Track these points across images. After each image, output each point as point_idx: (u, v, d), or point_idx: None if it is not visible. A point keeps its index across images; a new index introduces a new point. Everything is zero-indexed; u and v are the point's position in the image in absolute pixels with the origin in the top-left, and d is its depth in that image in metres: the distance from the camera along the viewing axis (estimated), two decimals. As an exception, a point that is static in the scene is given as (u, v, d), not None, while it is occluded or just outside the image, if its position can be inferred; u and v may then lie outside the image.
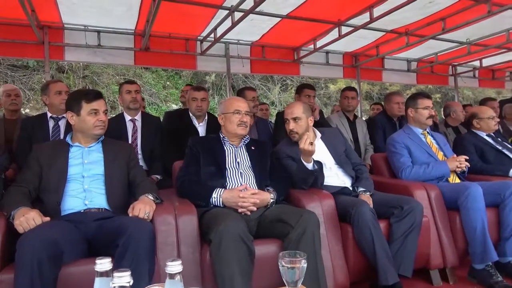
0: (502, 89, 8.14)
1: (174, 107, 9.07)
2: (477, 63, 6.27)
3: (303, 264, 1.14)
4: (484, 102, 4.80)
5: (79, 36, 4.19)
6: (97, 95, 2.03)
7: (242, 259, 1.61)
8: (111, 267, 0.79)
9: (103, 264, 0.80)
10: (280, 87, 10.31)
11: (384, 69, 5.97)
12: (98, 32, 4.23)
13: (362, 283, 2.15)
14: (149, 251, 1.54)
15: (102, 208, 1.88)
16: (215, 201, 2.00)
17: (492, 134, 3.28)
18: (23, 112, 7.55)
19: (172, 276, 0.80)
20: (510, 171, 2.87)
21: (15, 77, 7.84)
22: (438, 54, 5.69)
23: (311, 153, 2.20)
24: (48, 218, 1.65)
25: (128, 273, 0.77)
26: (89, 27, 4.16)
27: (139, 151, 3.07)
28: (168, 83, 9.63)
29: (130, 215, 1.75)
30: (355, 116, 4.12)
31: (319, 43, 4.82)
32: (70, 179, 1.90)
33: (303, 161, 2.24)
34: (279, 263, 1.15)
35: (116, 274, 0.75)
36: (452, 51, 5.50)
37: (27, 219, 1.57)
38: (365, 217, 2.00)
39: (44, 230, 1.53)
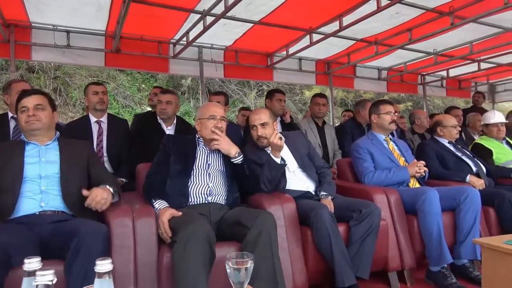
0: (470, 99, 8.46)
1: (149, 110, 8.97)
2: (444, 73, 6.51)
3: (249, 265, 1.16)
4: (449, 110, 4.99)
5: (47, 36, 4.09)
6: (27, 93, 2.01)
7: (206, 261, 1.61)
8: (40, 267, 0.78)
9: (32, 263, 0.80)
10: (256, 92, 10.37)
11: (356, 76, 6.10)
12: (68, 32, 4.14)
13: (322, 286, 2.18)
14: (101, 254, 1.52)
15: (58, 211, 1.84)
16: (156, 211, 1.99)
17: (453, 142, 3.41)
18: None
19: (100, 275, 0.80)
20: (467, 177, 2.99)
21: (-21, 77, 7.58)
22: (407, 64, 5.87)
23: (280, 147, 2.27)
24: (-4, 221, 1.60)
25: (52, 271, 0.76)
26: (58, 27, 4.08)
27: (105, 154, 3.03)
28: (143, 85, 9.52)
29: (86, 202, 1.73)
30: (324, 122, 4.20)
31: (291, 50, 4.89)
32: (26, 180, 1.86)
33: (272, 156, 2.28)
34: (226, 265, 1.16)
35: (39, 272, 0.74)
36: (420, 61, 5.69)
37: None
38: (324, 221, 2.04)
39: None
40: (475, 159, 3.27)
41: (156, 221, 1.88)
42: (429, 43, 4.87)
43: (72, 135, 2.58)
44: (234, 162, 2.13)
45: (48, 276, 0.73)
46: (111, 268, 0.82)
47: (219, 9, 3.51)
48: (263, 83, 9.99)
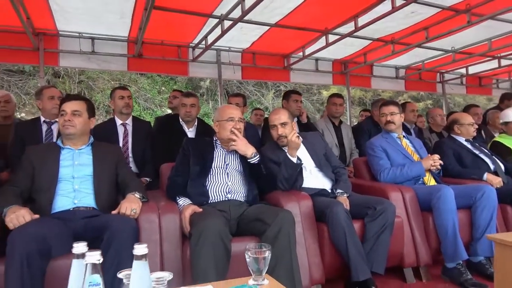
0: (492, 96, 8.30)
1: (169, 112, 9.18)
2: (463, 71, 6.43)
3: (267, 255, 1.26)
4: (468, 108, 4.93)
5: (73, 43, 4.30)
6: (69, 97, 2.17)
7: (218, 256, 1.72)
8: (86, 250, 0.90)
9: (79, 247, 0.92)
10: (274, 92, 10.46)
11: (373, 75, 6.11)
12: (92, 38, 4.34)
13: (338, 281, 2.26)
14: (131, 245, 1.65)
15: (90, 207, 2.00)
16: (180, 207, 2.12)
17: (471, 140, 3.41)
18: (19, 116, 7.65)
19: (138, 257, 0.91)
20: (484, 175, 3.00)
21: (11, 81, 7.94)
22: (425, 62, 5.85)
23: (297, 146, 2.38)
24: (37, 216, 1.76)
25: (98, 252, 0.88)
26: (83, 34, 4.28)
27: (130, 154, 3.18)
28: (163, 88, 9.75)
29: (117, 212, 1.87)
30: (341, 122, 4.25)
31: (307, 51, 4.97)
32: (61, 180, 2.02)
33: (288, 156, 2.38)
34: (245, 255, 1.27)
35: (88, 253, 0.86)
36: (438, 59, 5.66)
37: (17, 216, 1.69)
38: (339, 217, 2.12)
39: (33, 226, 1.64)
40: (493, 157, 3.27)
41: (180, 216, 2.01)
42: (447, 41, 4.85)
43: (100, 137, 2.73)
44: (251, 162, 2.24)
45: (96, 256, 0.85)
46: (147, 252, 0.93)
47: (237, 13, 3.63)
48: (280, 84, 10.07)
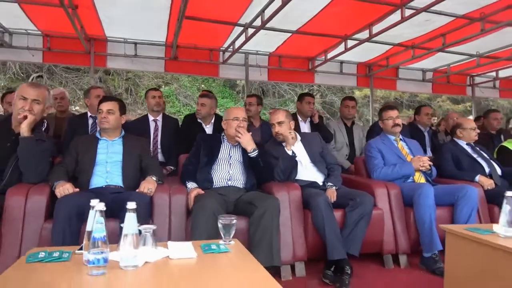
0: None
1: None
2: (493, 74, 6.39)
3: (233, 222, 1.68)
4: (488, 113, 5.01)
5: (119, 47, 4.94)
6: (105, 99, 2.69)
7: (210, 227, 2.15)
8: (97, 204, 1.37)
9: (94, 202, 1.39)
10: (308, 92, 10.75)
11: (398, 78, 6.26)
12: (135, 43, 4.95)
13: (319, 261, 2.61)
14: (145, 214, 2.17)
15: (118, 186, 2.54)
16: (188, 190, 2.59)
17: (472, 144, 3.59)
18: (74, 109, 8.60)
19: (130, 210, 1.37)
20: (476, 177, 3.20)
21: (68, 78, 8.92)
22: (451, 66, 5.91)
23: (290, 140, 2.82)
24: (77, 189, 2.31)
25: (103, 204, 1.35)
26: (127, 40, 4.90)
27: (159, 146, 3.72)
28: (202, 85, 10.39)
29: (137, 190, 2.38)
30: (353, 123, 4.54)
31: (329, 55, 5.27)
32: (97, 164, 2.57)
33: (286, 149, 2.79)
34: (218, 222, 1.70)
35: (97, 204, 1.33)
36: (464, 63, 5.71)
37: (64, 189, 2.25)
38: (320, 205, 2.49)
39: (74, 196, 2.20)
40: (491, 161, 3.43)
41: (187, 197, 2.49)
42: (470, 46, 4.94)
43: (134, 131, 3.30)
44: (250, 155, 2.66)
45: (101, 205, 1.32)
46: (135, 207, 1.39)
47: (259, 22, 4.04)
48: (313, 84, 10.33)
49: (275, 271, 2.44)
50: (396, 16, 3.93)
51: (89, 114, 3.63)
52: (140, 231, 1.41)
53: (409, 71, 6.28)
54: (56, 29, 4.45)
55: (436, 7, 3.68)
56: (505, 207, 1.89)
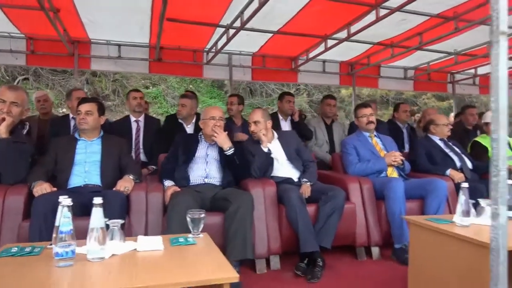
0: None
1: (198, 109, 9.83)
2: (472, 71, 6.54)
3: (201, 216, 1.76)
4: (465, 109, 5.15)
5: (103, 49, 4.98)
6: (83, 100, 2.76)
7: (183, 222, 2.22)
8: (64, 199, 1.44)
9: (61, 198, 1.46)
10: (294, 91, 10.85)
11: (380, 76, 6.39)
12: (119, 45, 4.99)
13: (294, 253, 2.70)
14: (120, 211, 2.24)
15: (96, 185, 2.61)
16: (165, 187, 2.68)
17: (445, 139, 3.72)
18: (61, 111, 8.60)
19: (96, 205, 1.45)
20: (447, 171, 3.32)
21: (55, 80, 8.93)
22: (430, 64, 6.05)
23: (261, 139, 2.92)
24: (55, 189, 2.38)
25: (70, 199, 1.42)
26: (111, 42, 4.95)
27: (141, 146, 3.79)
28: (190, 86, 10.44)
29: (114, 189, 2.46)
30: (333, 121, 4.64)
31: (311, 54, 5.37)
32: (75, 163, 2.64)
33: (262, 147, 2.91)
34: (187, 216, 1.78)
35: (65, 200, 1.40)
36: (443, 61, 5.84)
37: (41, 188, 2.32)
38: (293, 200, 2.58)
39: (51, 195, 2.26)
40: (463, 155, 3.56)
41: (163, 194, 2.57)
42: (448, 44, 5.07)
43: (116, 132, 3.37)
44: (226, 154, 2.74)
45: (68, 201, 1.39)
46: (102, 202, 1.46)
47: (239, 22, 4.11)
48: (300, 83, 10.45)
49: (250, 264, 2.54)
50: (372, 16, 4.03)
51: (71, 115, 3.68)
52: (108, 226, 1.49)
53: (391, 69, 6.39)
54: (39, 32, 4.48)
55: (410, 6, 3.78)
56: (461, 197, 1.99)
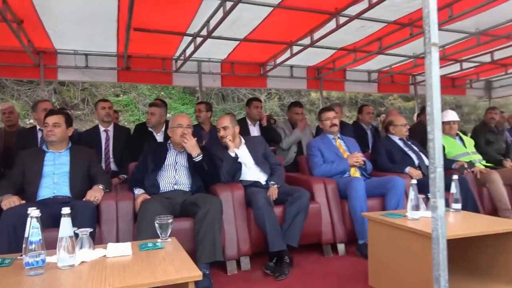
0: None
1: (168, 116, 9.82)
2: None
3: (168, 221, 1.85)
4: (423, 110, 5.44)
5: (69, 59, 4.95)
6: (50, 112, 2.79)
7: (153, 230, 2.30)
8: (33, 211, 1.49)
9: (30, 210, 1.51)
10: (266, 95, 11.04)
11: (346, 80, 6.64)
12: (86, 55, 4.98)
13: (263, 254, 2.82)
14: (90, 221, 2.28)
15: (65, 196, 2.64)
16: (135, 195, 2.75)
17: (404, 138, 3.94)
18: (28, 122, 8.40)
19: (65, 215, 1.51)
20: (406, 169, 3.53)
21: (20, 91, 8.71)
22: (392, 66, 6.35)
23: (228, 145, 3.02)
24: (24, 201, 2.40)
25: (38, 210, 1.47)
26: (78, 51, 4.93)
27: (111, 156, 3.81)
28: (162, 93, 10.43)
29: (84, 199, 2.50)
30: (300, 125, 4.82)
31: (278, 60, 5.53)
32: (44, 175, 2.66)
33: (229, 152, 3.01)
34: (155, 222, 1.86)
35: (33, 211, 1.45)
36: (403, 64, 6.16)
37: (10, 201, 2.35)
38: (259, 203, 2.70)
39: (19, 207, 2.29)
40: (420, 153, 3.78)
41: (133, 202, 2.63)
42: (407, 48, 5.35)
43: (85, 142, 3.40)
44: (194, 160, 2.83)
45: (36, 212, 1.45)
46: (69, 212, 1.53)
47: (206, 31, 4.21)
48: (271, 88, 10.66)
49: (221, 266, 2.63)
50: (333, 24, 4.23)
51: (37, 127, 3.66)
52: (77, 235, 1.55)
53: (356, 73, 6.65)
54: (2, 43, 4.42)
55: (368, 14, 3.99)
56: (411, 193, 2.17)
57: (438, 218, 1.63)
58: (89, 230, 1.63)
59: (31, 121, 8.16)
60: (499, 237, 2.04)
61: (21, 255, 1.59)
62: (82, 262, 1.52)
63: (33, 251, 1.39)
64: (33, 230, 1.41)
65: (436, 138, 1.64)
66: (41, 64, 4.82)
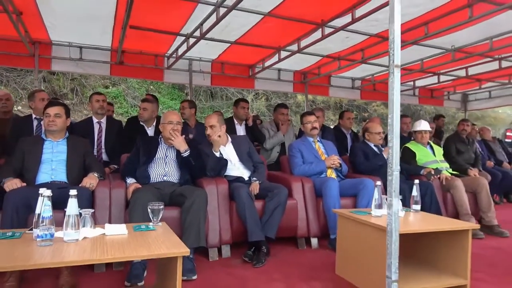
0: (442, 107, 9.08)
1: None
2: (412, 84, 7.28)
3: (160, 207, 2.08)
4: (401, 117, 5.78)
5: (64, 51, 5.09)
6: (51, 104, 2.98)
7: (144, 216, 2.51)
8: (44, 191, 1.71)
9: (42, 190, 1.73)
10: (254, 95, 11.30)
11: (331, 85, 6.95)
12: (80, 47, 5.13)
13: (244, 244, 3.07)
14: (86, 205, 2.48)
15: (62, 181, 2.84)
16: (127, 184, 2.96)
17: (379, 145, 4.25)
18: (16, 109, 8.43)
19: (72, 196, 1.73)
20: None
21: (9, 77, 8.73)
22: (375, 75, 6.69)
23: (217, 143, 3.18)
24: (25, 184, 2.60)
25: (50, 190, 1.69)
26: (72, 44, 5.08)
27: (103, 147, 4.00)
28: (151, 87, 10.57)
29: (80, 185, 2.71)
30: (285, 125, 5.10)
31: (267, 63, 5.79)
32: (42, 162, 2.85)
33: (213, 152, 3.21)
34: (148, 208, 2.09)
35: (46, 191, 1.67)
36: (385, 73, 6.49)
37: (12, 183, 2.55)
38: (241, 196, 2.97)
39: (22, 189, 2.50)
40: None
41: (125, 190, 2.85)
42: (387, 59, 5.65)
43: (79, 133, 3.59)
44: (182, 155, 3.07)
45: (48, 192, 1.67)
46: (76, 193, 1.75)
47: (199, 33, 4.44)
48: (257, 89, 10.92)
49: (204, 253, 2.88)
50: (319, 33, 4.52)
51: (33, 116, 3.82)
52: (81, 214, 1.78)
53: (340, 79, 6.97)
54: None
55: (352, 27, 4.30)
56: (375, 193, 2.46)
57: (393, 214, 1.92)
58: (92, 210, 1.85)
59: (19, 107, 8.22)
60: (447, 235, 2.35)
61: (30, 229, 1.80)
62: (85, 237, 1.75)
63: (44, 225, 1.61)
64: (45, 207, 1.63)
65: (395, 145, 1.92)
66: (36, 54, 4.95)
